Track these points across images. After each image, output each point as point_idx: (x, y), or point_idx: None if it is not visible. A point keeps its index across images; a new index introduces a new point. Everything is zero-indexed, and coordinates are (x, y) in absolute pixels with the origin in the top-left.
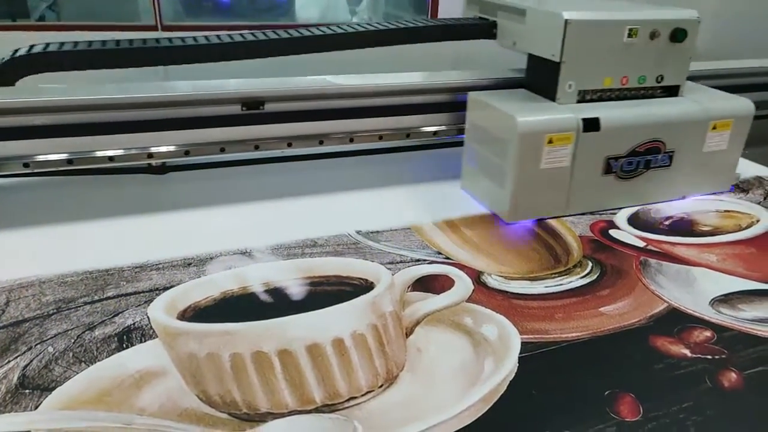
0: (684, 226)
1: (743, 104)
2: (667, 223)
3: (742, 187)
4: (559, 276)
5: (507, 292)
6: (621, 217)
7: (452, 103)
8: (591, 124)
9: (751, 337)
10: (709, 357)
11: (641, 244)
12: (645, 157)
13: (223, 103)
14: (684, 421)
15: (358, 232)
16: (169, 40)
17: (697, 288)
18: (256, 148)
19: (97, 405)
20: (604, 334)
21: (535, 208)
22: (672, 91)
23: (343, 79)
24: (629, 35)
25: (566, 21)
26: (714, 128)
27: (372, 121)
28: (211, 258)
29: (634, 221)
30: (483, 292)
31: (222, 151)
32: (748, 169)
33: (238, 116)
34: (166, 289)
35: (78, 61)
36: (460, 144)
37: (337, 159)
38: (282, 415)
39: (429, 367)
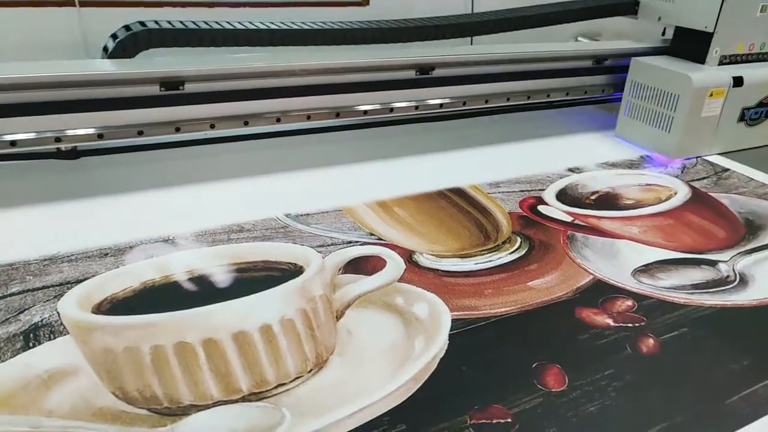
0: (609, 201)
1: None
2: (593, 197)
3: (663, 162)
4: (489, 252)
5: (438, 270)
6: (549, 193)
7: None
8: (738, 81)
9: (667, 304)
10: (630, 325)
11: (568, 218)
12: (767, 108)
13: (139, 83)
14: (606, 388)
15: (287, 216)
16: (276, 24)
17: (620, 259)
18: (177, 130)
19: (0, 409)
20: (533, 308)
21: (691, 149)
22: None
23: (266, 59)
24: (762, 10)
25: None
26: None
27: (300, 101)
28: (131, 247)
29: (562, 197)
30: (414, 271)
31: (140, 134)
32: None
33: (157, 97)
34: (79, 282)
35: (200, 38)
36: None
37: (264, 140)
38: (206, 407)
39: (359, 349)
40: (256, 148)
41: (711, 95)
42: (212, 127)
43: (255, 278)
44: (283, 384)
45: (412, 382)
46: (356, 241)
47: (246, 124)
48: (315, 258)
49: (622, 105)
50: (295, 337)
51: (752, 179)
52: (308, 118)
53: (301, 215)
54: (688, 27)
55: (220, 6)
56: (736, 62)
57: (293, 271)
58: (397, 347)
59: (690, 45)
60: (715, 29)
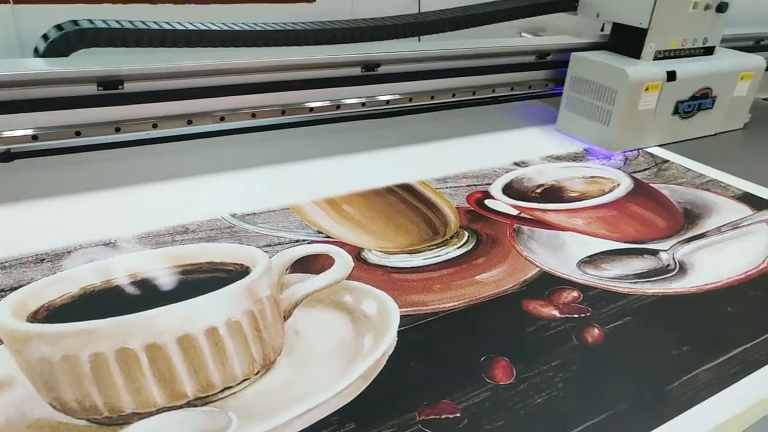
0: (554, 193)
1: (759, 61)
2: (539, 191)
3: (605, 154)
4: (437, 248)
5: (387, 266)
6: (496, 187)
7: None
8: (671, 76)
9: (611, 294)
10: (576, 316)
11: (515, 212)
12: (699, 101)
13: (75, 83)
14: (553, 379)
15: (233, 215)
16: (217, 25)
17: (566, 251)
18: (118, 130)
19: None
20: (480, 302)
21: (630, 142)
22: (708, 51)
23: (209, 56)
24: (693, 7)
25: None
26: (741, 78)
27: (244, 99)
28: (69, 252)
29: (508, 191)
30: (363, 268)
31: (77, 135)
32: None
33: (94, 96)
34: (13, 289)
35: (135, 38)
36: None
37: (208, 139)
38: (149, 414)
39: (307, 349)
40: (200, 148)
41: (647, 89)
42: (154, 126)
43: (200, 280)
44: (230, 387)
45: (361, 381)
46: (304, 240)
47: (189, 123)
48: (261, 258)
49: (563, 99)
50: (242, 339)
51: (690, 170)
52: (253, 116)
53: (248, 215)
54: (624, 23)
55: (163, 2)
56: (670, 57)
57: (239, 272)
58: (345, 346)
59: (626, 41)
60: (649, 25)
